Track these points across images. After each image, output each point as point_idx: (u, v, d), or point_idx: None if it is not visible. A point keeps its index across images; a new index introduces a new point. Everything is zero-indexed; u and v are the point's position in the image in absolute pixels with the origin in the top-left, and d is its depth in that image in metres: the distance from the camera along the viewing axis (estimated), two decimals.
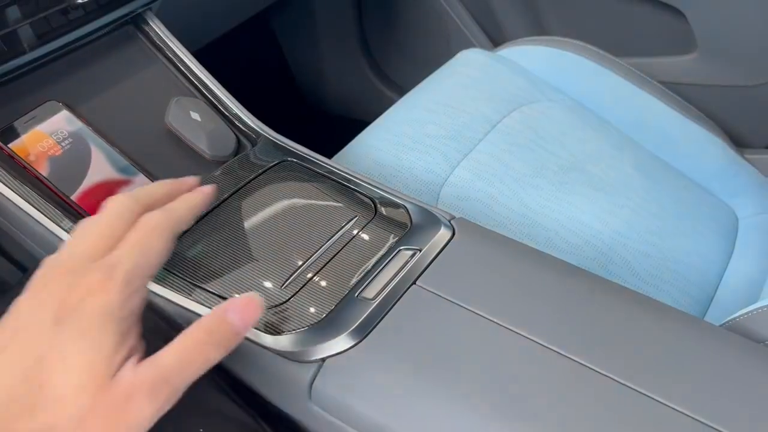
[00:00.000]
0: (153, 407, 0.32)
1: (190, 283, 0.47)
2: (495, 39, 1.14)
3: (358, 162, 0.77)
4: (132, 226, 0.38)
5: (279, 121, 1.34)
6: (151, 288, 0.48)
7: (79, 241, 0.37)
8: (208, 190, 0.44)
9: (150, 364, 0.33)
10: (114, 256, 0.36)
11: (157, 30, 0.64)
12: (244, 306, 0.37)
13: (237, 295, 0.46)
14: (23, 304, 0.34)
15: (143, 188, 0.42)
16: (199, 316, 0.45)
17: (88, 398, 0.31)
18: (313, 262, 0.49)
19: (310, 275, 0.48)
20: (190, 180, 0.45)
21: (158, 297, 0.47)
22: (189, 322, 0.36)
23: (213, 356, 0.35)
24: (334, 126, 1.34)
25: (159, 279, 0.48)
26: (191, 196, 0.42)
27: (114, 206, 0.39)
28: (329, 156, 0.78)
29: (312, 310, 0.45)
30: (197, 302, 0.46)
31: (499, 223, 0.71)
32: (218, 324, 0.36)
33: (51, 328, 0.32)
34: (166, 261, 0.38)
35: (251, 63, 1.31)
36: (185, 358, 0.34)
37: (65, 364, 0.32)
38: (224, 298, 0.46)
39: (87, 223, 0.38)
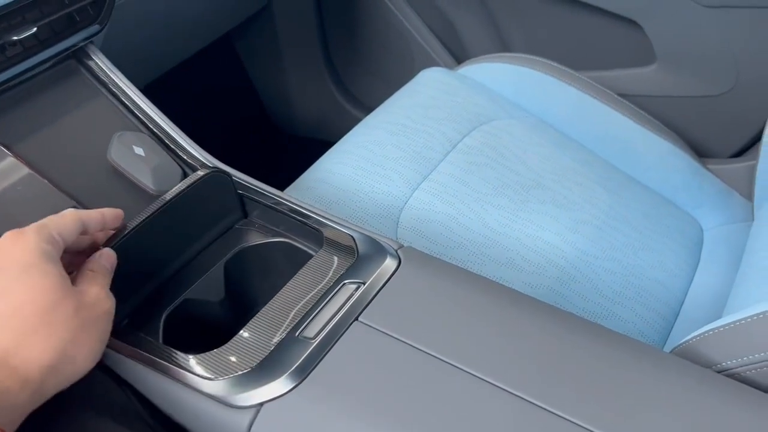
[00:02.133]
0: None
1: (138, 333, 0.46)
2: (458, 56, 1.14)
3: (316, 188, 0.75)
4: None
5: (247, 144, 1.34)
6: None
7: None
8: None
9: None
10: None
11: (100, 63, 0.63)
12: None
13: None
14: None
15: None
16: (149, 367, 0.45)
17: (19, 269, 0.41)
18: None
19: (252, 312, 0.47)
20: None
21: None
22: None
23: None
24: (301, 146, 1.33)
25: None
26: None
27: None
28: (294, 177, 0.78)
29: (250, 352, 0.44)
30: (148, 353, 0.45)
31: (460, 244, 0.70)
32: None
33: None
34: None
35: (217, 87, 1.30)
36: None
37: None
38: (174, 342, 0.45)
39: None
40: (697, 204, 0.84)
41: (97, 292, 0.43)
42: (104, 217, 0.48)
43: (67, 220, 0.45)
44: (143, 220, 0.49)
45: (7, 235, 0.43)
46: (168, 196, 0.51)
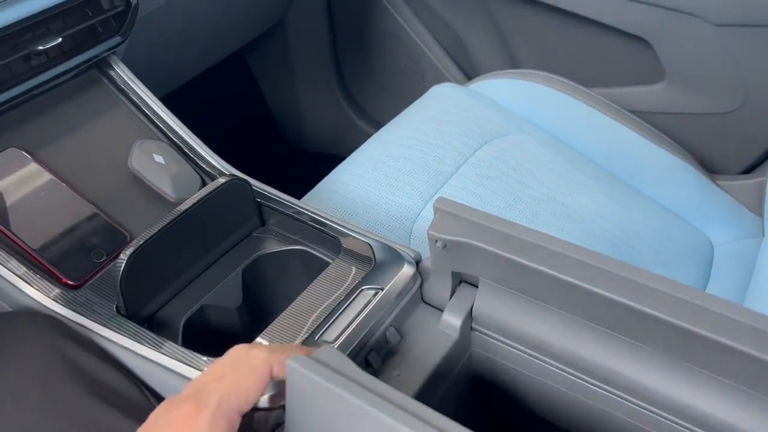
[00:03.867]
0: None
1: (157, 336, 0.47)
2: (468, 73, 1.15)
3: (330, 199, 0.76)
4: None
5: (259, 158, 1.35)
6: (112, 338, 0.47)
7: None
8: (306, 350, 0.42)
9: None
10: (202, 391, 0.36)
11: (121, 74, 0.65)
12: None
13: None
14: None
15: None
16: (168, 369, 0.45)
17: None
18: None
19: (269, 319, 0.47)
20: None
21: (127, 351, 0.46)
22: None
23: None
24: (312, 161, 1.34)
25: (121, 328, 0.47)
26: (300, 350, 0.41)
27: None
28: (305, 191, 0.78)
29: None
30: (167, 355, 0.45)
31: None
32: None
33: None
34: None
35: (229, 101, 1.31)
36: None
37: None
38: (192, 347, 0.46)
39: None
40: (707, 220, 0.85)
41: None
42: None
43: (252, 385, 0.36)
44: (163, 227, 0.50)
45: (179, 414, 0.35)
46: (187, 204, 0.52)
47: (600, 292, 0.37)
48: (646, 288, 0.36)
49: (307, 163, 1.35)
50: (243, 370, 0.37)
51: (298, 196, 0.78)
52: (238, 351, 0.38)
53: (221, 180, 0.53)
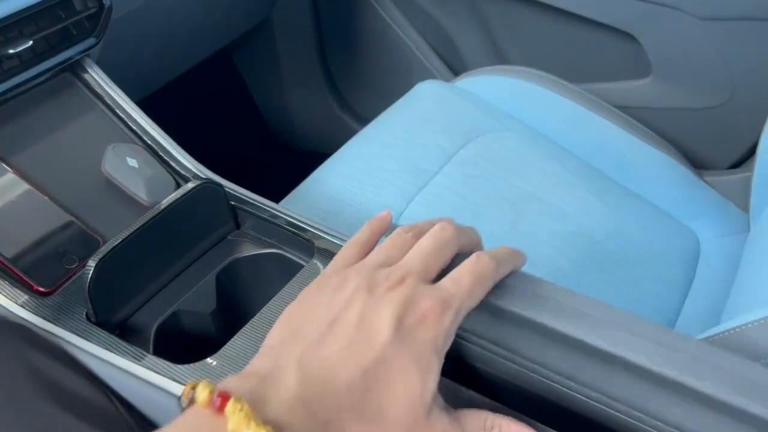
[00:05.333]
0: None
1: (128, 345, 0.46)
2: (456, 69, 1.14)
3: (312, 199, 0.76)
4: (465, 263, 0.35)
5: (246, 156, 1.34)
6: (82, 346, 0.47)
7: (410, 253, 0.35)
8: (522, 255, 0.40)
9: (456, 422, 0.33)
10: (450, 288, 0.34)
11: (95, 76, 0.64)
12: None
13: None
14: (356, 288, 0.33)
15: (463, 228, 0.38)
16: (138, 378, 0.44)
17: (405, 424, 0.30)
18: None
19: (244, 323, 0.47)
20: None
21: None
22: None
23: None
24: (300, 159, 1.33)
25: (92, 336, 0.47)
26: (517, 257, 0.39)
27: (440, 232, 0.36)
28: (292, 189, 0.78)
29: (241, 360, 0.44)
30: (138, 364, 0.45)
31: None
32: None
33: (392, 337, 0.31)
34: None
35: (216, 99, 1.31)
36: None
37: (396, 382, 0.31)
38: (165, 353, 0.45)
39: (413, 239, 0.37)
40: (693, 216, 0.84)
41: None
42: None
43: (480, 295, 0.35)
44: (133, 231, 0.49)
45: (430, 293, 0.33)
46: (157, 209, 0.51)
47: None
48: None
49: (295, 161, 1.35)
50: (481, 282, 0.34)
51: (285, 194, 0.78)
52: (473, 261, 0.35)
53: (190, 185, 0.53)
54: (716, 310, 0.72)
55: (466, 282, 0.34)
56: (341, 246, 0.52)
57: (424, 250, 0.35)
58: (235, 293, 0.55)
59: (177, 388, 0.43)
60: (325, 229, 0.54)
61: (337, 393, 0.30)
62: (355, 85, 1.28)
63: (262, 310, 0.48)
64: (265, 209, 0.56)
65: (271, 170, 1.33)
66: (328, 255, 0.52)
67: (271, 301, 0.49)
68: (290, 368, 0.30)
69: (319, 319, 0.32)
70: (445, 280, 0.34)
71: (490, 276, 0.35)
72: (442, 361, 0.32)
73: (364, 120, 1.26)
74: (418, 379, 0.31)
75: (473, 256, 0.35)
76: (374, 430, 0.30)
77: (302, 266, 0.53)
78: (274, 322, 0.46)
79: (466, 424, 0.33)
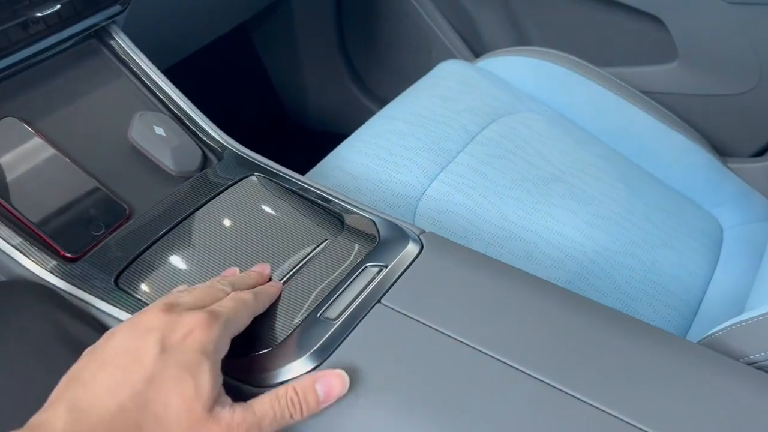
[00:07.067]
0: None
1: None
2: (476, 50, 1.13)
3: (334, 176, 0.75)
4: (227, 297, 0.42)
5: (261, 134, 1.33)
6: (110, 311, 0.46)
7: (178, 295, 0.41)
8: (280, 285, 0.47)
9: (247, 409, 0.37)
10: (214, 306, 0.40)
11: (122, 43, 0.63)
12: (330, 379, 0.39)
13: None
14: (124, 332, 0.37)
15: (234, 275, 0.46)
16: None
17: (186, 426, 0.34)
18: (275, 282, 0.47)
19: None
20: (264, 266, 0.48)
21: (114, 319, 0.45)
22: None
23: (296, 416, 0.38)
24: (315, 138, 1.32)
25: (119, 302, 0.46)
26: (271, 290, 0.45)
27: (211, 282, 0.44)
28: (308, 169, 0.77)
29: (272, 331, 0.43)
30: None
31: (478, 236, 0.69)
32: (307, 390, 0.39)
33: (158, 356, 0.35)
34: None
35: (232, 76, 1.29)
36: (277, 411, 0.38)
37: (169, 392, 0.35)
38: None
39: (184, 288, 0.44)
40: (717, 202, 0.83)
41: None
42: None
43: (245, 317, 0.41)
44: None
45: (196, 312, 0.38)
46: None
47: None
48: None
49: (310, 140, 1.34)
50: (242, 308, 0.41)
51: (301, 173, 0.77)
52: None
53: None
54: (739, 297, 0.71)
55: (230, 304, 0.40)
56: (371, 219, 0.52)
57: (187, 294, 0.41)
58: None
59: None
60: (355, 204, 0.54)
61: (109, 420, 0.33)
62: (373, 65, 1.27)
63: (290, 282, 0.47)
64: (295, 182, 0.56)
65: (284, 149, 1.32)
66: (356, 229, 0.52)
67: (300, 272, 0.48)
68: (59, 412, 0.33)
69: (91, 363, 0.36)
70: (212, 306, 0.40)
71: (251, 305, 0.42)
72: (217, 364, 0.37)
73: (381, 101, 1.25)
74: (191, 382, 0.35)
75: (235, 292, 0.42)
76: None
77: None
78: (304, 293, 0.46)
79: (257, 408, 0.37)
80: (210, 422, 0.35)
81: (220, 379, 0.37)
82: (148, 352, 0.35)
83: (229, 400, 0.37)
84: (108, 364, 0.36)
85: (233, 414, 0.36)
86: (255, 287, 0.45)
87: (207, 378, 0.36)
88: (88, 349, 0.38)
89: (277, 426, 0.38)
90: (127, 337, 0.37)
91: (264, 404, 0.38)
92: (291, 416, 0.38)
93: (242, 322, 0.41)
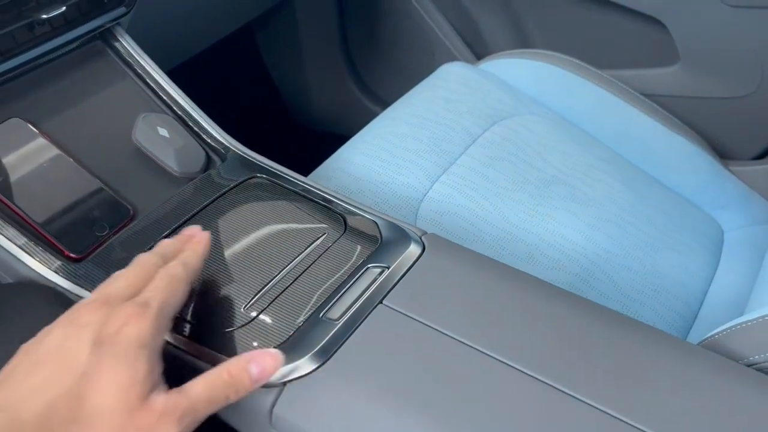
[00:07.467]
0: (178, 431, 0.36)
1: None
2: (478, 52, 1.13)
3: (336, 177, 0.75)
4: (156, 276, 0.42)
5: (263, 135, 1.34)
6: None
7: (112, 283, 0.41)
8: (206, 236, 0.47)
9: (180, 393, 0.37)
10: (145, 295, 0.40)
11: (126, 45, 0.63)
12: (263, 358, 0.40)
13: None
14: (59, 329, 0.38)
15: (161, 245, 0.46)
16: (168, 342, 0.44)
17: (122, 416, 0.35)
18: (277, 282, 0.47)
19: (273, 295, 0.46)
20: (193, 229, 0.48)
21: None
22: None
23: (232, 397, 0.39)
24: (318, 140, 1.33)
25: None
26: (198, 247, 0.46)
27: (141, 260, 0.43)
28: (310, 171, 0.77)
29: (274, 331, 0.44)
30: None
31: (479, 238, 0.70)
32: (240, 370, 0.39)
33: (91, 351, 0.36)
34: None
35: (235, 78, 1.30)
36: (211, 394, 0.38)
37: (103, 384, 0.35)
38: (185, 321, 0.45)
39: (118, 273, 0.43)
40: (718, 205, 0.83)
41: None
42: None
43: (180, 291, 0.41)
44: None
45: (128, 305, 0.38)
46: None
47: None
48: None
49: (313, 142, 1.34)
50: (175, 282, 0.41)
51: (303, 174, 0.78)
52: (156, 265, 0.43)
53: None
54: (740, 300, 0.71)
55: (161, 285, 0.40)
56: (373, 221, 0.52)
57: (121, 280, 0.41)
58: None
59: (210, 355, 0.43)
60: (357, 205, 0.54)
61: (43, 414, 0.34)
62: (375, 66, 1.27)
63: (293, 283, 0.48)
64: (297, 184, 0.56)
65: (286, 150, 1.33)
66: (358, 230, 0.52)
67: (303, 274, 0.48)
68: None
69: (24, 362, 0.37)
70: (143, 292, 0.40)
71: (182, 276, 0.42)
72: (154, 352, 0.37)
73: (383, 102, 1.25)
74: (126, 371, 0.35)
75: (164, 267, 0.42)
76: (94, 428, 0.34)
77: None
78: (306, 294, 0.46)
79: (191, 392, 0.37)
80: (145, 410, 0.35)
81: (159, 368, 0.38)
82: (81, 348, 0.36)
83: (165, 387, 0.37)
84: (41, 363, 0.36)
85: (167, 400, 0.36)
86: (184, 250, 0.45)
87: (142, 367, 0.36)
88: (22, 347, 0.38)
89: (213, 408, 0.38)
90: (62, 335, 0.37)
91: (197, 388, 0.38)
92: (227, 397, 0.38)
93: (178, 299, 0.41)
